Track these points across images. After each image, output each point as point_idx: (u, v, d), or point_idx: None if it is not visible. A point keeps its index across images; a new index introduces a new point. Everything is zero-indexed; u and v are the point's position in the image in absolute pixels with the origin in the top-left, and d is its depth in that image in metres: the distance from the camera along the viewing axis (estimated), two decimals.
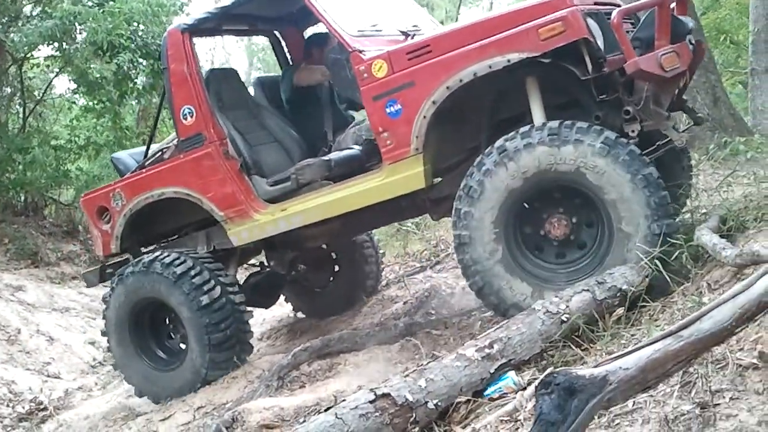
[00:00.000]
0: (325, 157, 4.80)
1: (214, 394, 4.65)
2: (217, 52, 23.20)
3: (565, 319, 3.29)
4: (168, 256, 4.83)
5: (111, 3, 9.74)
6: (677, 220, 4.00)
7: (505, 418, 2.77)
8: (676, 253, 3.49)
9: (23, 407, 6.17)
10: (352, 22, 4.44)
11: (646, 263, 3.50)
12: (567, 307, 3.34)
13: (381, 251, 6.35)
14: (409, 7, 5.24)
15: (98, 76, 10.50)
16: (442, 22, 8.18)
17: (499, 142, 3.85)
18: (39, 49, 10.75)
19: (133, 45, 9.85)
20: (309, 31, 5.88)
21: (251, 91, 5.57)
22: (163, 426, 4.60)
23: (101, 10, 9.72)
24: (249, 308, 5.03)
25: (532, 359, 3.22)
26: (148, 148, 5.38)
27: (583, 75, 3.76)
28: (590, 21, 3.75)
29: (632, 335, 3.18)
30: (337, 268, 6.09)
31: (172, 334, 5.19)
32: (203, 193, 4.81)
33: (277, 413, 3.61)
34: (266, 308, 6.01)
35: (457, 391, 2.94)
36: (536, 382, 2.12)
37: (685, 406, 2.27)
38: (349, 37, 4.31)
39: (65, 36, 10.21)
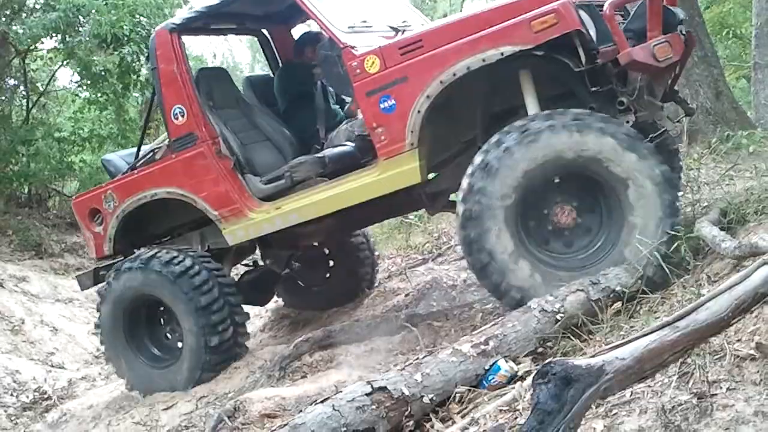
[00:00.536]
0: (319, 154, 4.80)
1: (216, 383, 4.68)
2: (219, 48, 23.21)
3: (560, 318, 3.32)
4: (167, 253, 4.80)
5: None
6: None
7: (504, 408, 2.80)
8: (675, 245, 3.51)
9: (27, 397, 6.22)
10: (342, 19, 4.43)
11: (647, 256, 3.50)
12: (562, 306, 3.37)
13: (376, 252, 6.31)
14: (397, 3, 5.22)
15: (102, 68, 10.52)
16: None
17: (520, 123, 3.79)
18: (42, 42, 10.78)
19: (137, 37, 9.85)
20: (297, 29, 5.86)
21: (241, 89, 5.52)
22: (165, 415, 4.61)
23: (105, 3, 9.73)
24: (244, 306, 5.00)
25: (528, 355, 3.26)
26: (139, 149, 5.34)
27: (577, 67, 3.76)
28: (582, 13, 3.75)
29: (631, 327, 3.19)
30: (331, 264, 6.05)
31: (168, 333, 5.13)
32: (197, 192, 4.77)
33: (279, 403, 3.63)
34: (261, 306, 6.03)
35: (452, 386, 2.99)
36: (534, 372, 2.13)
37: (683, 396, 2.29)
38: (340, 33, 4.30)
39: (69, 28, 10.25)
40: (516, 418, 2.68)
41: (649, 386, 2.43)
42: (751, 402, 2.15)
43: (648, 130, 3.90)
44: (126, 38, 9.73)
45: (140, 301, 4.94)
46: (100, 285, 5.26)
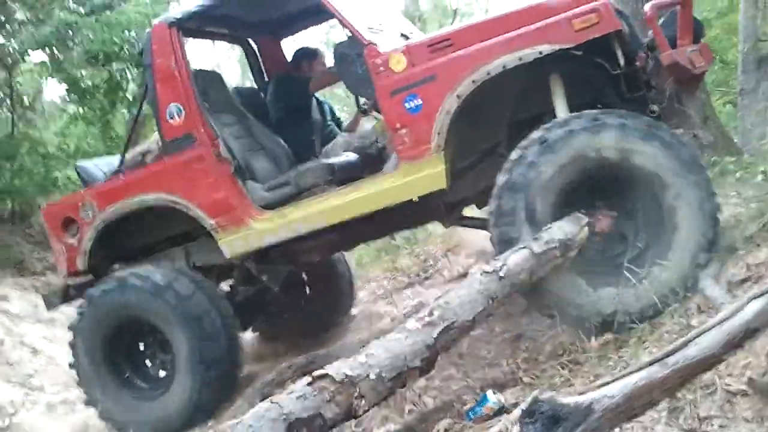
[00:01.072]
0: (327, 161, 4.59)
1: None
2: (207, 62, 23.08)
3: (503, 276, 3.20)
4: (145, 269, 4.48)
5: (107, 13, 9.70)
6: None
7: None
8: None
9: (3, 421, 6.06)
10: (361, 20, 4.30)
11: None
12: (504, 264, 3.27)
13: (354, 276, 6.12)
14: (397, 18, 5.16)
15: (90, 84, 10.46)
16: None
17: (573, 115, 3.67)
18: (29, 55, 10.72)
19: (126, 55, 9.80)
20: (286, 42, 5.78)
21: None
22: None
23: (96, 20, 9.68)
24: None
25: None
26: (124, 153, 4.94)
27: (614, 69, 3.70)
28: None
29: (620, 357, 3.16)
30: (308, 291, 5.82)
31: (150, 361, 4.76)
32: (191, 199, 4.41)
33: None
34: (242, 330, 5.52)
35: (401, 361, 2.78)
36: (522, 406, 2.08)
37: None
38: (364, 30, 4.16)
39: (59, 43, 10.21)
40: None
41: (639, 422, 2.39)
42: None
43: None
44: (115, 55, 9.67)
45: (122, 329, 4.59)
46: (68, 303, 4.99)
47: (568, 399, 1.98)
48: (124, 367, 4.68)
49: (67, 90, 10.98)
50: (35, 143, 10.87)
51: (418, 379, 3.03)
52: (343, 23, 4.23)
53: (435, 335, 2.89)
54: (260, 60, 5.61)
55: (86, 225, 4.68)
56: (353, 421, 3.68)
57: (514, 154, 3.71)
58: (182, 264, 4.71)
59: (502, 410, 3.02)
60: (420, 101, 3.93)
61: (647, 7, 3.73)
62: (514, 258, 3.32)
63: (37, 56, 10.75)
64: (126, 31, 9.82)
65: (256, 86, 5.68)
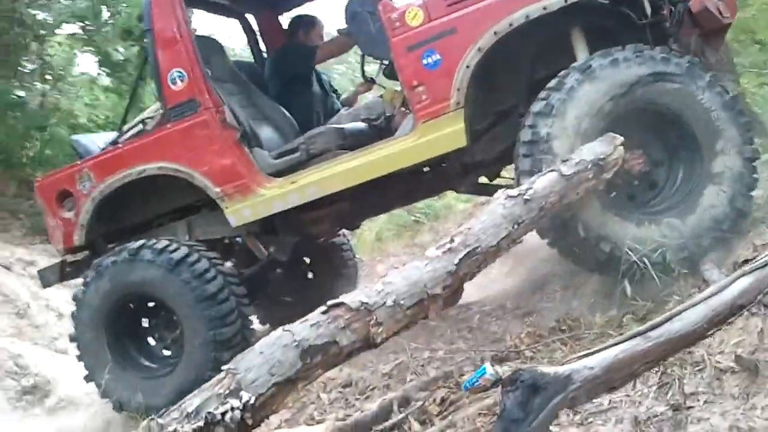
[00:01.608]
0: (338, 125, 4.47)
1: None
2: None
3: (529, 198, 3.06)
4: (159, 242, 4.28)
5: None
6: None
7: (484, 411, 2.77)
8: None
9: (28, 381, 6.22)
10: None
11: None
12: (530, 188, 3.12)
13: (358, 258, 6.03)
14: None
15: (121, 57, 10.58)
16: None
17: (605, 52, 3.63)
18: (61, 28, 10.87)
19: None
20: (285, 17, 5.63)
21: None
22: None
23: None
24: None
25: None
26: (123, 122, 4.79)
27: (640, 19, 3.64)
28: None
29: (620, 333, 3.14)
30: (310, 276, 5.72)
31: (155, 339, 4.60)
32: (195, 166, 4.25)
33: None
34: None
35: (420, 288, 2.66)
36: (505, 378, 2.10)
37: (659, 407, 2.25)
38: None
39: (94, 17, 10.33)
40: (494, 423, 2.64)
41: (628, 396, 2.39)
42: (727, 416, 2.10)
43: None
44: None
45: (127, 302, 4.43)
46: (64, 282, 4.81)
47: (548, 369, 2.00)
48: (127, 344, 4.51)
49: (98, 63, 11.15)
50: (65, 114, 11.06)
51: (442, 309, 2.86)
52: None
53: (456, 261, 2.76)
54: (258, 34, 5.50)
55: (83, 197, 4.50)
56: (355, 389, 3.78)
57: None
58: (186, 238, 4.53)
59: (498, 382, 3.03)
60: (439, 56, 3.81)
61: None
62: (542, 181, 3.18)
63: (69, 28, 10.91)
64: None
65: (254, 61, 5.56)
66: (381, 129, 4.61)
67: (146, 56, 4.59)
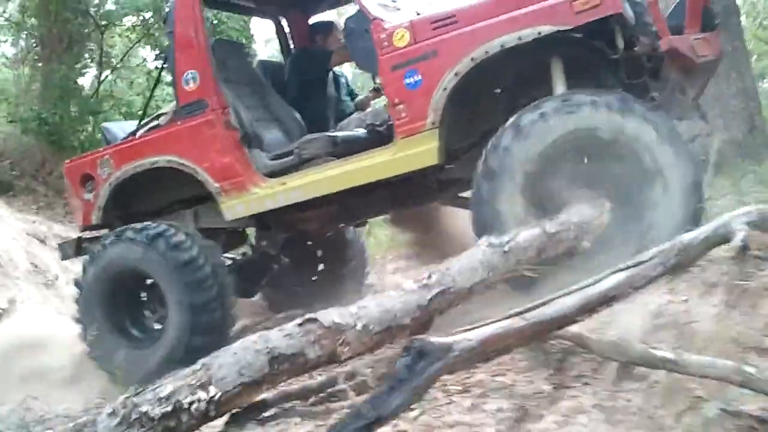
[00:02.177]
0: (330, 133, 4.71)
1: None
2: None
3: (508, 250, 3.15)
4: (158, 226, 4.55)
5: None
6: None
7: None
8: None
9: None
10: None
11: None
12: (513, 240, 3.22)
13: (370, 255, 6.17)
14: None
15: None
16: None
17: (553, 100, 3.70)
18: (121, 22, 11.49)
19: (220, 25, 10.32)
20: (314, 19, 5.75)
21: None
22: None
23: None
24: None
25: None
26: (143, 116, 5.14)
27: (614, 54, 3.69)
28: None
29: None
30: (321, 267, 5.91)
31: (147, 313, 4.82)
32: (199, 162, 4.57)
33: None
34: (249, 298, 5.66)
35: (391, 317, 2.77)
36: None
37: (546, 386, 2.42)
38: (371, 4, 4.19)
39: (154, 10, 10.89)
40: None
41: (526, 376, 2.57)
42: (596, 396, 2.26)
43: None
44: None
45: (128, 274, 4.66)
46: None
47: (434, 339, 2.20)
48: (125, 322, 4.76)
49: (156, 55, 11.70)
50: (118, 101, 11.63)
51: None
52: None
53: (429, 297, 2.89)
54: (289, 35, 5.70)
55: (102, 182, 4.87)
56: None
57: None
58: (189, 224, 4.82)
59: None
60: (420, 77, 3.95)
61: None
62: (525, 235, 3.29)
63: (127, 20, 11.50)
64: None
65: (283, 61, 5.75)
66: (382, 134, 4.75)
67: (166, 57, 4.97)
